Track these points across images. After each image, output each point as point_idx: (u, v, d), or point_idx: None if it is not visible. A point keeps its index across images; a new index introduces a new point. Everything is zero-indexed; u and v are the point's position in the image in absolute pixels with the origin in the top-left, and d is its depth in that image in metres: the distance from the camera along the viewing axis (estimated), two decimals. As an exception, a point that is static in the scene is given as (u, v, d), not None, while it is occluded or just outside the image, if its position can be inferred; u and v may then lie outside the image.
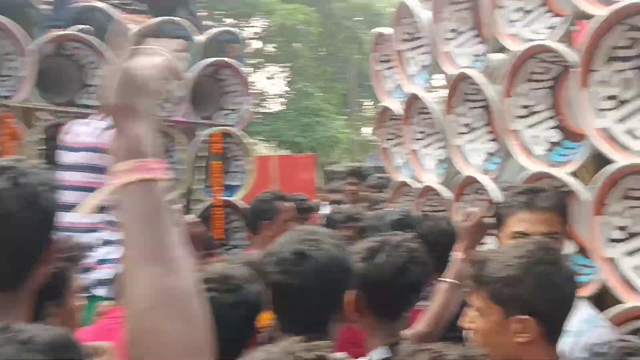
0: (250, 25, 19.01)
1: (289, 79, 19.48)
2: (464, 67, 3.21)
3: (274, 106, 19.45)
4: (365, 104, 22.70)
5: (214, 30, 4.84)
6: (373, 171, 5.87)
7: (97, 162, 2.86)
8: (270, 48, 18.97)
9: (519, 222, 1.85)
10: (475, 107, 3.26)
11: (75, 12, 3.82)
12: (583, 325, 1.75)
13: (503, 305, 1.43)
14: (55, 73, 3.82)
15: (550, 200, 1.86)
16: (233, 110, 4.51)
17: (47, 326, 0.86)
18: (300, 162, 9.85)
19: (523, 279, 1.42)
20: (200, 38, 4.44)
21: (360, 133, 20.78)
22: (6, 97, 3.38)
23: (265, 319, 1.59)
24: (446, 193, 3.41)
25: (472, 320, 1.51)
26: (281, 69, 19.91)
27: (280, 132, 16.06)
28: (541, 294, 1.42)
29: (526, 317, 1.41)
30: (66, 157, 3.07)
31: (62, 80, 3.87)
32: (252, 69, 17.96)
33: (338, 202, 6.12)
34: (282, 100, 19.50)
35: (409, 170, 3.98)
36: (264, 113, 17.84)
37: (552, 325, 1.45)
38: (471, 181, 3.15)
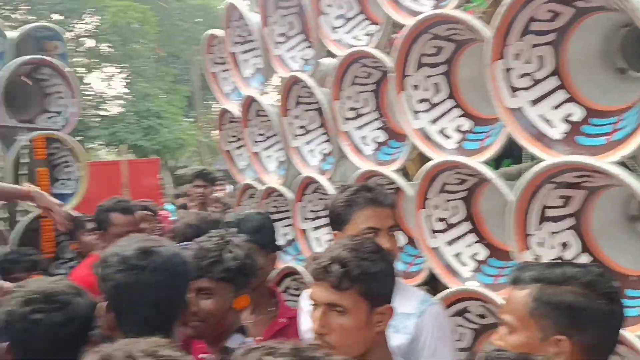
0: (81, 22, 17.77)
1: (128, 80, 18.54)
2: (295, 70, 3.28)
3: (112, 108, 18.38)
4: (213, 106, 22.34)
5: (29, 26, 4.41)
6: (221, 174, 5.82)
7: None
8: (105, 47, 17.89)
9: (367, 218, 1.91)
10: (309, 110, 3.35)
11: None
12: (421, 305, 1.92)
13: (371, 299, 1.49)
14: None
15: (389, 196, 1.98)
16: (58, 112, 4.17)
17: None
18: (144, 167, 9.48)
19: (385, 272, 1.52)
20: (13, 34, 4.02)
21: (210, 135, 20.43)
22: None
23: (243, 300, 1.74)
24: (288, 194, 3.48)
25: (326, 325, 1.48)
26: (119, 70, 18.88)
27: (121, 135, 15.22)
28: (389, 284, 1.55)
29: (390, 305, 1.53)
30: None
31: None
32: (85, 69, 16.80)
33: (185, 207, 6.00)
34: (121, 102, 18.49)
35: (253, 172, 4.01)
36: (101, 116, 16.80)
37: None
38: (310, 181, 3.25)
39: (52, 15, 16.63)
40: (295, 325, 2.23)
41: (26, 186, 2.84)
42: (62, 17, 16.60)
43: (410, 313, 1.87)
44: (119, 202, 3.07)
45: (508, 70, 2.03)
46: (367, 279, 1.48)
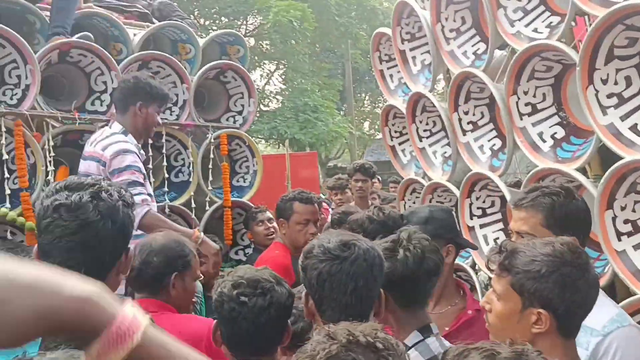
0: (244, 23, 18.97)
1: (284, 76, 19.42)
2: (466, 65, 3.26)
3: (271, 104, 19.41)
4: (365, 99, 22.69)
5: (214, 33, 4.86)
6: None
7: (89, 171, 2.85)
8: (264, 45, 18.90)
9: (511, 217, 1.97)
10: (479, 105, 3.31)
11: (75, 19, 3.77)
12: (609, 324, 1.75)
13: (522, 296, 1.46)
14: (60, 80, 3.83)
15: (530, 200, 1.87)
16: (238, 112, 4.55)
17: None
18: (304, 160, 9.93)
19: (546, 276, 1.43)
20: (200, 40, 4.46)
21: (361, 128, 20.76)
22: (13, 105, 3.35)
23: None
24: (455, 190, 3.47)
25: (489, 301, 1.55)
26: (276, 66, 19.86)
27: (280, 129, 16.02)
28: (561, 294, 1.44)
29: (542, 311, 1.44)
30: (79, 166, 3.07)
31: (68, 88, 3.86)
32: (246, 68, 17.92)
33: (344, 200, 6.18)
34: (279, 97, 19.44)
35: (416, 167, 4.05)
36: (261, 111, 17.80)
37: (568, 322, 1.48)
38: (478, 178, 3.21)
39: (222, 18, 17.94)
40: (483, 318, 2.22)
41: (196, 231, 2.97)
42: (226, 20, 17.83)
43: (594, 329, 1.72)
44: (301, 192, 3.29)
45: None
46: (518, 273, 1.45)
